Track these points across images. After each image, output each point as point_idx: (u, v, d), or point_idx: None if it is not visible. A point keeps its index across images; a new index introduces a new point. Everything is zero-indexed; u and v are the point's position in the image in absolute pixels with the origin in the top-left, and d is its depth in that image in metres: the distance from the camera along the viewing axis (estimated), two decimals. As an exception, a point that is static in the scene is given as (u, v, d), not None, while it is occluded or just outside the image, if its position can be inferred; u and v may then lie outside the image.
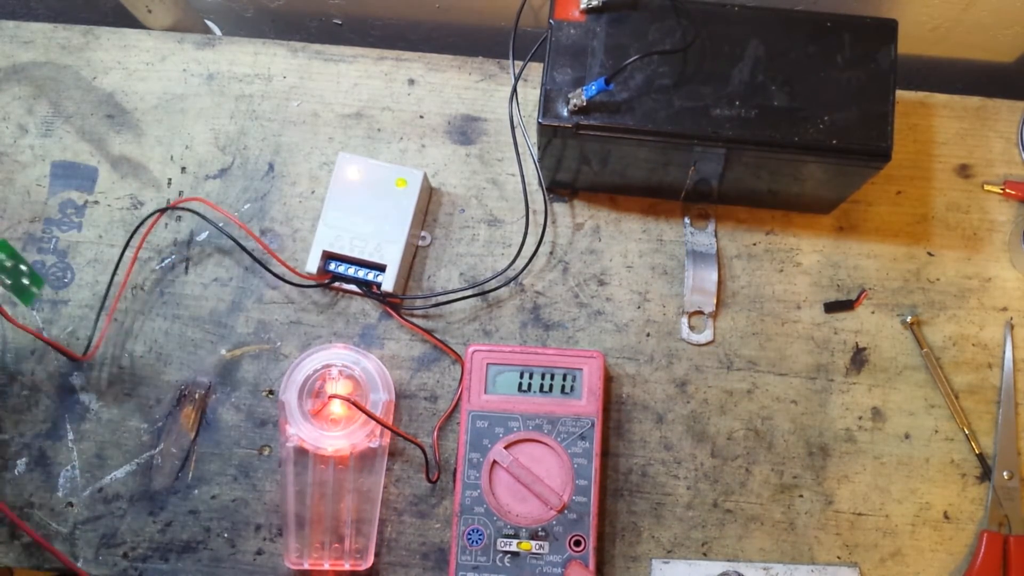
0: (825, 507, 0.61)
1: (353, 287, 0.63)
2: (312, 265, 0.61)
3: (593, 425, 0.59)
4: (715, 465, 0.62)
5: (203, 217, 0.64)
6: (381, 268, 0.61)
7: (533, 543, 0.58)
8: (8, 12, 0.77)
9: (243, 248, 0.63)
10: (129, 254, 0.64)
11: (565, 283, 0.65)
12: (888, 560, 0.61)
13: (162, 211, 0.65)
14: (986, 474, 0.62)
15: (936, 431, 0.63)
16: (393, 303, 0.63)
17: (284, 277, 0.63)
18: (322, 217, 0.62)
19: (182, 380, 0.63)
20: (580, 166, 0.61)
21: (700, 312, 0.64)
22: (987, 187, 0.66)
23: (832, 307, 0.64)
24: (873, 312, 0.64)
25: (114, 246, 0.65)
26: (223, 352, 0.63)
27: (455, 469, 0.60)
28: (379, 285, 0.61)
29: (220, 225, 0.64)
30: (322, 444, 0.59)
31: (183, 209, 0.65)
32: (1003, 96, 0.68)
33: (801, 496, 0.61)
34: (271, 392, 0.63)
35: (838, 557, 0.61)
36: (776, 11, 0.57)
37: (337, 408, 0.60)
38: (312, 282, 0.63)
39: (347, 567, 0.59)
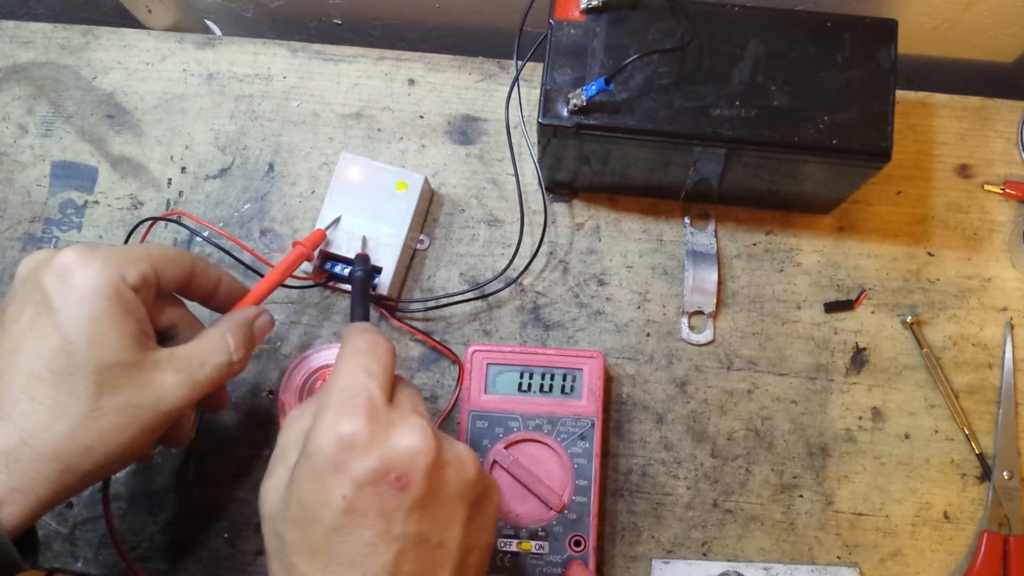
0: (825, 507, 0.61)
1: (349, 287, 0.63)
2: (308, 264, 0.61)
3: (593, 425, 0.59)
4: (715, 465, 0.62)
5: (188, 229, 0.64)
6: (377, 270, 0.61)
7: (533, 543, 0.58)
8: (8, 12, 0.77)
9: (223, 249, 0.63)
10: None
11: (565, 283, 0.65)
12: (888, 560, 0.61)
13: (153, 221, 0.65)
14: (986, 474, 0.62)
15: (936, 431, 0.63)
16: (388, 305, 0.63)
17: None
18: (321, 216, 0.62)
19: (182, 380, 0.63)
20: (580, 166, 0.61)
21: (700, 312, 0.64)
22: (987, 187, 0.66)
23: (832, 307, 0.64)
24: (873, 312, 0.64)
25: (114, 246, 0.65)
26: (223, 352, 0.63)
27: (455, 469, 0.60)
28: (374, 287, 0.61)
29: (205, 234, 0.64)
30: (322, 444, 0.59)
31: (171, 220, 0.65)
32: (1003, 96, 0.68)
33: (801, 496, 0.61)
34: (271, 392, 0.63)
35: (838, 557, 0.61)
36: (776, 11, 0.57)
37: (337, 408, 0.60)
38: (309, 281, 0.63)
39: (347, 567, 0.59)
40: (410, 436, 0.41)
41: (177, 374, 0.47)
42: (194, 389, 0.47)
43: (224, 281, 0.53)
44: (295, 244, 0.58)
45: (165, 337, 0.50)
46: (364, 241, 0.60)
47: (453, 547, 0.42)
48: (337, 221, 0.61)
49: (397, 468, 0.40)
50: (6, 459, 0.43)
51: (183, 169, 0.67)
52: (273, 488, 0.43)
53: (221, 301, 0.53)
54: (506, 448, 0.59)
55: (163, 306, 0.50)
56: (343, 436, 0.40)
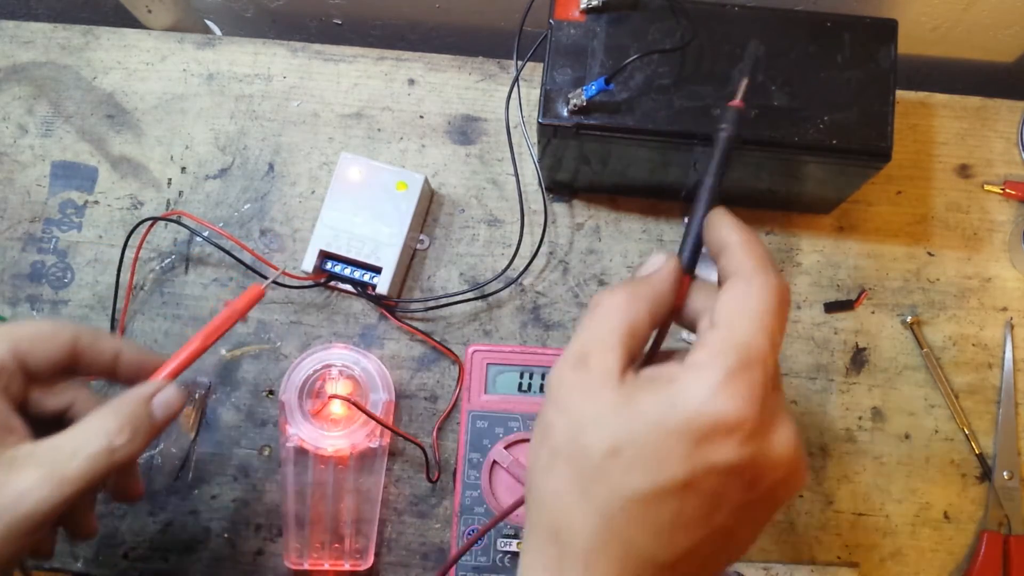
0: (825, 507, 0.61)
1: (349, 287, 0.63)
2: (308, 264, 0.61)
3: (593, 425, 0.59)
4: (715, 465, 0.62)
5: (188, 229, 0.64)
6: (377, 270, 0.61)
7: (533, 543, 0.58)
8: (8, 12, 0.77)
9: (223, 249, 0.63)
10: (127, 265, 0.64)
11: (565, 283, 0.65)
12: (888, 560, 0.61)
13: (153, 221, 0.65)
14: (986, 474, 0.62)
15: (936, 431, 0.63)
16: (388, 305, 0.63)
17: (278, 280, 0.63)
18: (321, 216, 0.62)
19: (182, 380, 0.63)
20: (580, 166, 0.61)
21: (700, 312, 0.64)
22: (987, 187, 0.66)
23: (832, 307, 0.64)
24: (873, 312, 0.64)
25: (114, 246, 0.65)
26: (223, 352, 0.63)
27: (455, 469, 0.60)
28: (374, 287, 0.61)
29: (205, 234, 0.64)
30: (322, 444, 0.59)
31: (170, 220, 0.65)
32: (1003, 96, 0.68)
33: (801, 496, 0.61)
34: (271, 392, 0.63)
35: (838, 557, 0.61)
36: (776, 11, 0.56)
37: (337, 408, 0.60)
38: (309, 281, 0.63)
39: (347, 567, 0.59)
40: (786, 445, 0.35)
41: (38, 470, 0.40)
42: (61, 486, 0.40)
43: (125, 354, 0.47)
44: (226, 304, 0.56)
45: (60, 423, 0.45)
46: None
47: (746, 542, 0.38)
48: (277, 276, 0.59)
49: (759, 472, 0.35)
50: None
51: (183, 169, 0.67)
52: (588, 387, 0.37)
53: (127, 376, 0.47)
54: (506, 448, 0.59)
55: (46, 389, 0.45)
56: (726, 419, 0.34)
